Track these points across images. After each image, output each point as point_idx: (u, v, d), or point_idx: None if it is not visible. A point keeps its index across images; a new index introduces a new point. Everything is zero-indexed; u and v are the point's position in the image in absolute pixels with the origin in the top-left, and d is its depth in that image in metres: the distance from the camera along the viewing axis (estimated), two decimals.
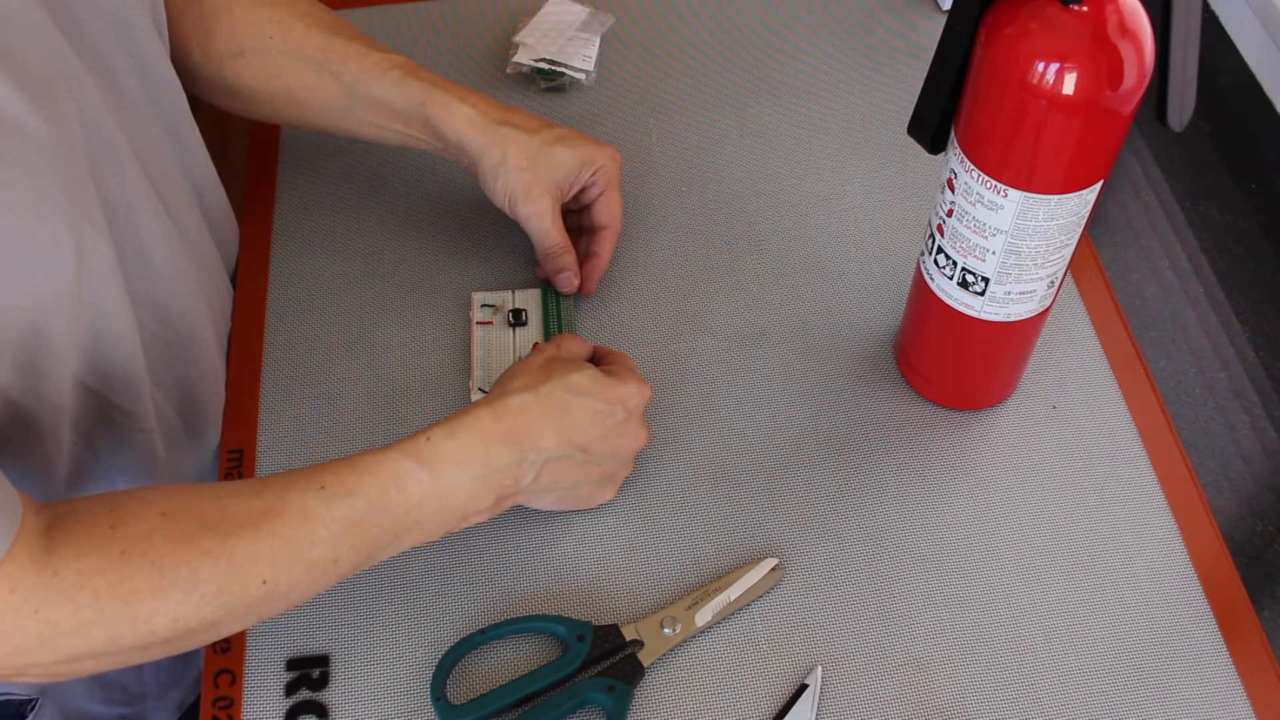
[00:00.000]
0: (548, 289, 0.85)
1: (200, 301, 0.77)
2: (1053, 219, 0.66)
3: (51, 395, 0.64)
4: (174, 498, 0.60)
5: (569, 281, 0.83)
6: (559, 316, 0.84)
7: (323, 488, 0.62)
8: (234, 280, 0.87)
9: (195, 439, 0.80)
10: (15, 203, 0.55)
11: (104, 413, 0.70)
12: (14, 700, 0.77)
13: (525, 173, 0.80)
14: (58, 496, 0.70)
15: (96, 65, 0.65)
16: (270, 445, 0.79)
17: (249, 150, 0.95)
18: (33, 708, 0.78)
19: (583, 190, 0.84)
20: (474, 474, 0.66)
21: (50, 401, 0.64)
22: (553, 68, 0.97)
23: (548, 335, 0.83)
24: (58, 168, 0.58)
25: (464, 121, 0.80)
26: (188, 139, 0.77)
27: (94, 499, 0.60)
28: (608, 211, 0.84)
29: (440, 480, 0.65)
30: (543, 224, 0.81)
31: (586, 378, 0.70)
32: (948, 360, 0.79)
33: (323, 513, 0.61)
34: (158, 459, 0.75)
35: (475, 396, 0.80)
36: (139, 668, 0.84)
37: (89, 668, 0.58)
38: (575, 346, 0.75)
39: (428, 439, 0.65)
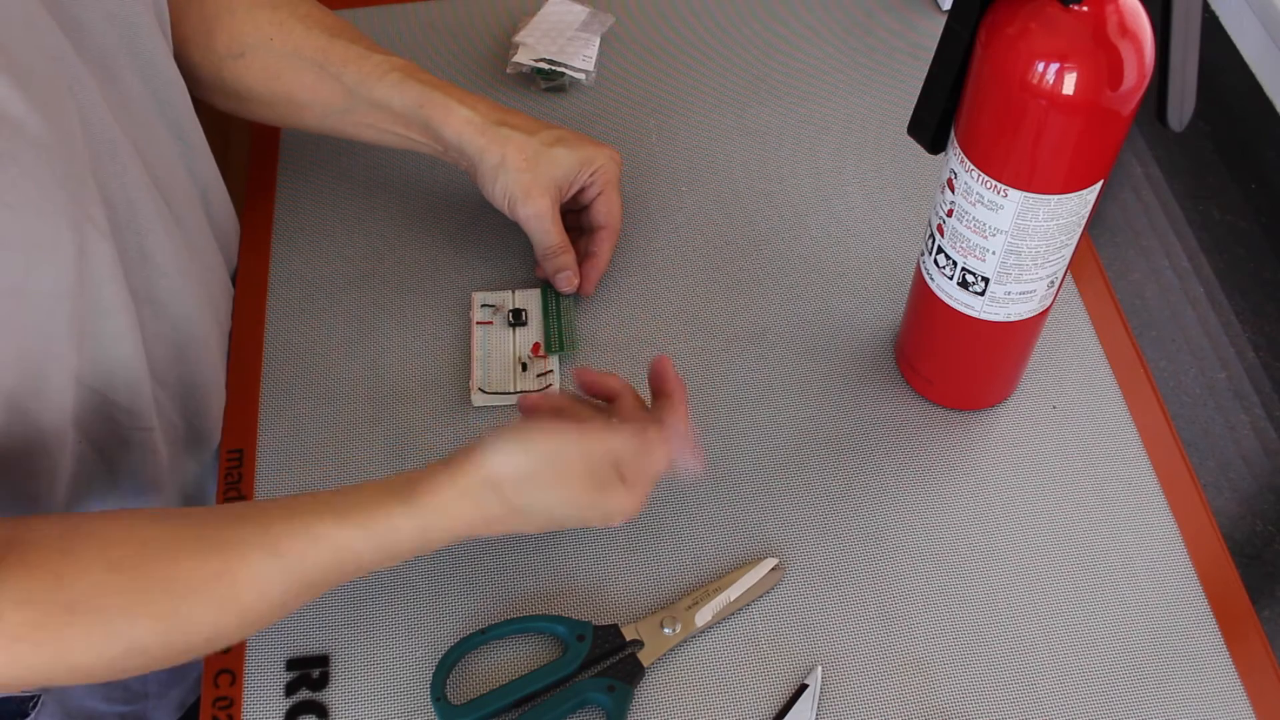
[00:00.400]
0: (548, 289, 0.85)
1: (203, 300, 0.77)
2: (1053, 219, 0.66)
3: (54, 394, 0.64)
4: (125, 546, 0.59)
5: (568, 281, 0.83)
6: (559, 316, 0.84)
7: (279, 556, 0.60)
8: (234, 280, 0.87)
9: (197, 438, 0.80)
10: (15, 202, 0.55)
11: (106, 412, 0.70)
12: (16, 698, 0.77)
13: (524, 174, 0.80)
14: (63, 496, 0.70)
15: (99, 65, 0.65)
16: (270, 445, 0.79)
17: (249, 150, 0.95)
18: (34, 705, 0.78)
19: (581, 190, 0.84)
20: (435, 547, 0.65)
21: (53, 400, 0.64)
22: (553, 68, 0.97)
23: (548, 335, 0.83)
24: (58, 167, 0.58)
25: (463, 123, 0.80)
26: (192, 137, 0.77)
27: (46, 525, 0.59)
28: (606, 211, 0.84)
29: (400, 556, 0.64)
30: (542, 224, 0.81)
31: (572, 504, 0.66)
32: (948, 360, 0.79)
33: (277, 579, 0.61)
34: (160, 458, 0.75)
35: (475, 397, 0.80)
36: None
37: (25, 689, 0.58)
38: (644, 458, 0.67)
39: (395, 529, 0.62)
